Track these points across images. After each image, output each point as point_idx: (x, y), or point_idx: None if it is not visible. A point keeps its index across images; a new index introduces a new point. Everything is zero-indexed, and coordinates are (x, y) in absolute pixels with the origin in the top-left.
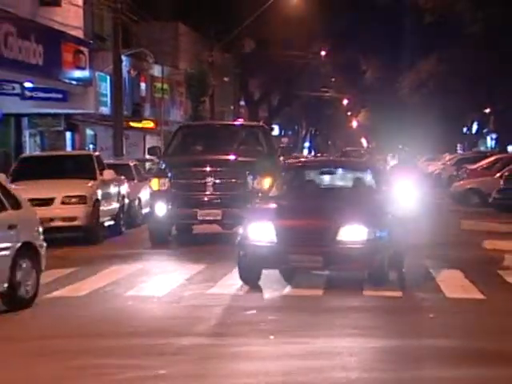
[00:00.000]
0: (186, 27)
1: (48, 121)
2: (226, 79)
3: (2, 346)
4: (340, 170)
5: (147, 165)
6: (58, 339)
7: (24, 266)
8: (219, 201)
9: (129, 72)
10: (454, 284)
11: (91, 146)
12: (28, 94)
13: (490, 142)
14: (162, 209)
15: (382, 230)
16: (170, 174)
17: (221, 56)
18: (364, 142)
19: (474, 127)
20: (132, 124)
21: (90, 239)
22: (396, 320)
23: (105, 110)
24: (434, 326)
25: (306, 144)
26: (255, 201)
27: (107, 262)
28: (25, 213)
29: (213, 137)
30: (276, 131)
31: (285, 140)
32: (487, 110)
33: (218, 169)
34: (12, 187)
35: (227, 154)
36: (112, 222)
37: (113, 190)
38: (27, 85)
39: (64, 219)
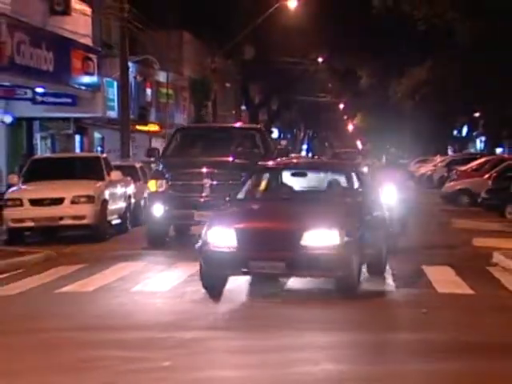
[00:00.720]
0: (190, 35)
1: (58, 124)
2: (227, 85)
3: (14, 338)
4: (315, 172)
5: (153, 166)
6: (68, 332)
7: None
8: (216, 202)
9: (135, 78)
10: (444, 280)
11: (99, 149)
12: (39, 98)
13: (479, 144)
14: (159, 210)
15: (351, 235)
16: (167, 176)
17: (223, 63)
18: (359, 144)
19: (464, 130)
20: (138, 127)
21: (97, 237)
22: (389, 314)
23: (112, 114)
24: (426, 320)
25: (304, 146)
26: (222, 204)
27: (114, 259)
28: None
29: (210, 139)
30: (275, 134)
31: (284, 142)
32: (477, 114)
33: (215, 170)
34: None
35: (224, 156)
36: (119, 221)
37: (119, 190)
38: (38, 90)
39: (73, 218)
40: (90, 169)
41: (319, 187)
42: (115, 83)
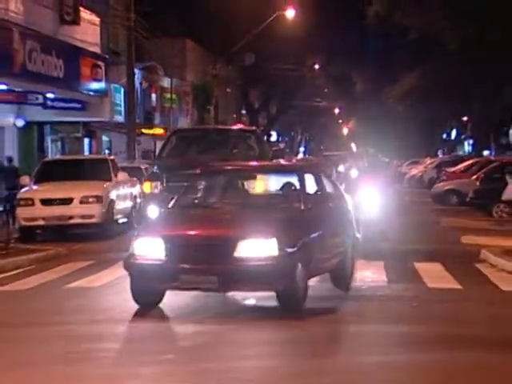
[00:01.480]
0: (193, 43)
1: (68, 128)
2: (228, 90)
3: (24, 330)
4: (262, 175)
5: None
6: (75, 325)
7: None
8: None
9: (141, 84)
10: (434, 275)
11: (107, 151)
12: (50, 103)
13: (467, 147)
14: (154, 212)
15: (293, 244)
16: (162, 177)
17: (224, 69)
18: (354, 146)
19: (453, 134)
20: (143, 131)
21: (105, 235)
22: (381, 308)
23: (119, 118)
24: (417, 313)
25: (301, 149)
26: (160, 211)
27: (120, 256)
28: None
29: (206, 141)
30: (274, 137)
31: (282, 145)
32: (465, 119)
33: None
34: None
35: (219, 158)
36: (125, 220)
37: (126, 190)
38: (49, 95)
39: (82, 217)
40: (98, 170)
41: (267, 191)
42: (122, 89)
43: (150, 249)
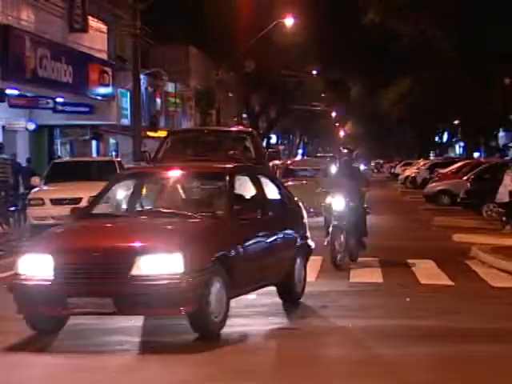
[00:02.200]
0: (196, 50)
1: (76, 131)
2: (230, 95)
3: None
4: (190, 178)
5: None
6: (89, 319)
7: None
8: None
9: (146, 88)
10: (427, 272)
11: (113, 153)
12: (59, 107)
13: (458, 149)
14: None
15: (208, 259)
16: None
17: (226, 75)
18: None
19: (445, 137)
20: (149, 133)
21: None
22: (376, 303)
23: (125, 121)
24: (410, 307)
25: (300, 151)
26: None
27: None
28: None
29: (201, 142)
30: (274, 139)
31: (281, 147)
32: (456, 122)
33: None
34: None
35: (214, 160)
36: None
37: None
38: (59, 100)
39: None
40: (106, 171)
41: (191, 197)
42: (128, 93)
43: (36, 267)
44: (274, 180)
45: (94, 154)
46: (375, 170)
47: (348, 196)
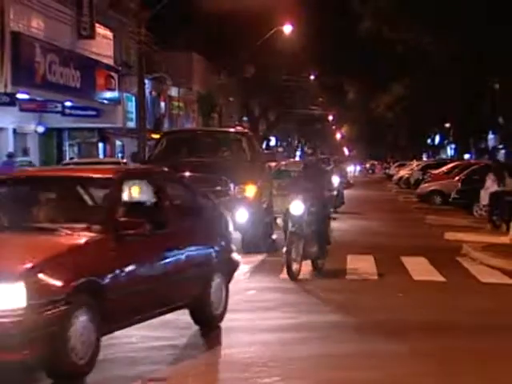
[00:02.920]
0: (199, 56)
1: (84, 133)
2: (231, 99)
3: None
4: (64, 186)
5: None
6: None
7: None
8: None
9: (151, 93)
10: (419, 269)
11: (120, 155)
12: (68, 111)
13: (449, 151)
14: None
15: (64, 288)
16: None
17: (227, 79)
18: (346, 150)
19: (437, 139)
20: (153, 136)
21: None
22: (371, 298)
23: (131, 124)
24: (403, 303)
25: (298, 153)
26: None
27: None
28: None
29: (196, 144)
30: (273, 142)
31: (280, 149)
32: (447, 125)
33: (198, 176)
34: None
35: (208, 161)
36: None
37: None
38: (67, 104)
39: None
40: None
41: (63, 208)
42: (133, 98)
43: None
44: (187, 187)
45: (101, 156)
46: (370, 171)
47: (309, 200)
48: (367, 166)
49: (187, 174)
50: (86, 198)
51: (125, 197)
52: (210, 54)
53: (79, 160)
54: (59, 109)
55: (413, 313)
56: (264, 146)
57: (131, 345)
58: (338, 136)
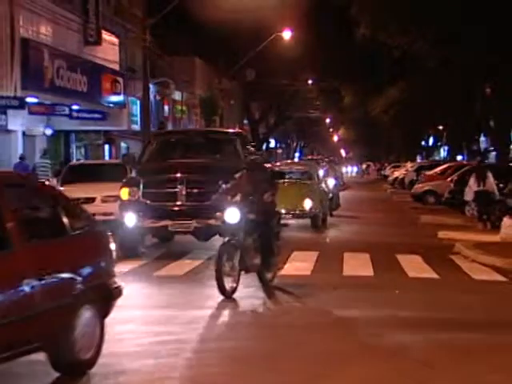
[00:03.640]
0: (201, 61)
1: (90, 136)
2: (232, 102)
3: None
4: None
5: None
6: None
7: None
8: (191, 211)
9: (155, 97)
10: (414, 266)
11: None
12: (75, 114)
13: (443, 152)
14: (131, 220)
15: None
16: (140, 183)
17: (228, 84)
18: (343, 152)
19: (431, 141)
20: None
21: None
22: (368, 295)
23: (135, 127)
24: (399, 299)
25: (297, 154)
26: None
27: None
28: None
29: (188, 145)
30: (273, 144)
31: (279, 151)
32: (441, 127)
33: (191, 178)
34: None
35: (200, 163)
36: None
37: None
38: (74, 107)
39: (103, 214)
40: (117, 173)
41: None
42: (138, 101)
43: None
44: (55, 197)
45: (107, 157)
46: (366, 172)
47: (248, 206)
48: (364, 166)
49: (179, 175)
50: None
51: None
52: (212, 58)
53: (85, 162)
54: (67, 112)
55: (408, 309)
56: (264, 147)
57: (135, 340)
58: (335, 138)
